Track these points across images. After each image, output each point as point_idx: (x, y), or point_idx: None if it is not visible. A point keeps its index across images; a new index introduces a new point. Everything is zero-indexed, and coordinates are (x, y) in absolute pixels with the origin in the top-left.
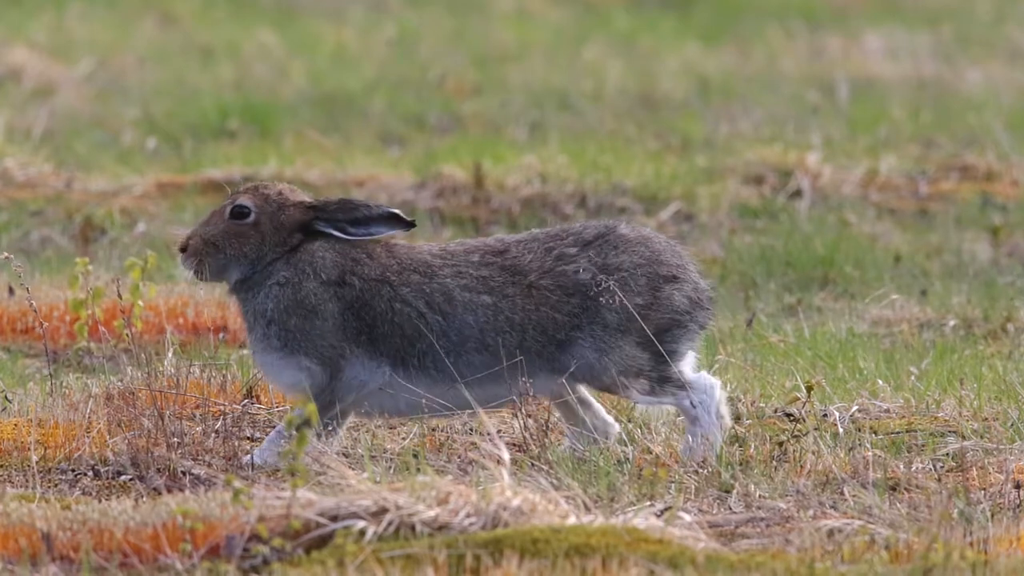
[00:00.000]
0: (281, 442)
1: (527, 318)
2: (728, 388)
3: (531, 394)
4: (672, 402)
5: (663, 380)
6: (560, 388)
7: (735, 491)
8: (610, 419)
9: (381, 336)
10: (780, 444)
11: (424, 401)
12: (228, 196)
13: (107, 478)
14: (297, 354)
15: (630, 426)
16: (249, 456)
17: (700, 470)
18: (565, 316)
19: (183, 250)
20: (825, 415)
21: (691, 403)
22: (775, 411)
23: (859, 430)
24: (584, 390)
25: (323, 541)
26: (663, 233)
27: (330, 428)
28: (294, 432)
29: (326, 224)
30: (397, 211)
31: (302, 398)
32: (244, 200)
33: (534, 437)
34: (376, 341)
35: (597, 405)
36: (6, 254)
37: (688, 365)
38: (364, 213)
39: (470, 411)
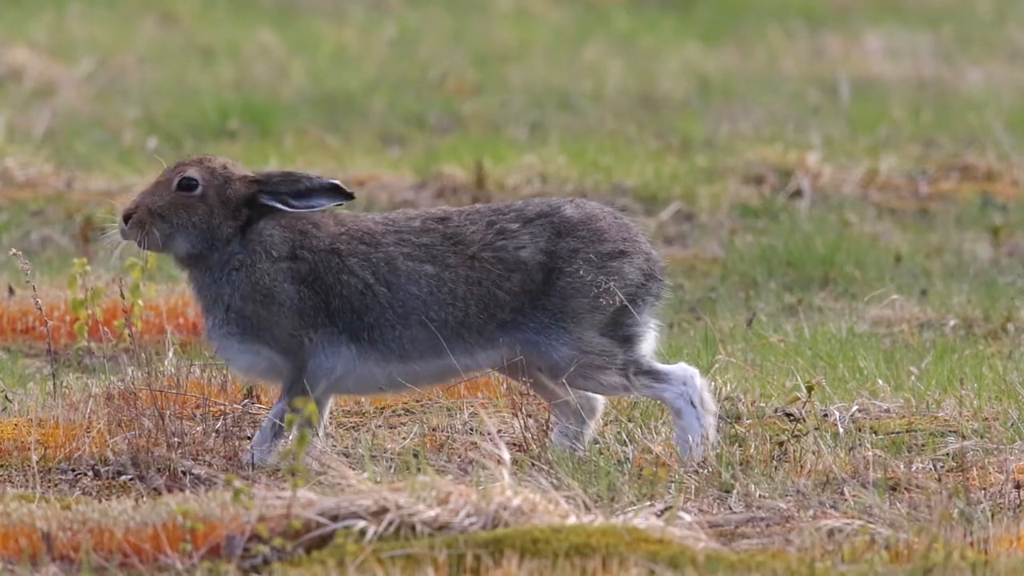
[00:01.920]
0: (271, 434)
1: (469, 292)
2: (728, 388)
3: (479, 368)
4: (651, 394)
5: (634, 370)
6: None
7: (735, 491)
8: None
9: (336, 312)
10: (780, 444)
11: (380, 378)
12: (171, 167)
13: (107, 478)
14: (255, 342)
15: (630, 426)
16: (249, 455)
17: (700, 470)
18: (506, 294)
19: (127, 218)
20: (825, 415)
21: (672, 395)
22: (775, 411)
23: (859, 430)
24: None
25: (323, 541)
26: (663, 233)
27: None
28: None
29: (270, 197)
30: (338, 182)
31: (259, 381)
32: (192, 172)
33: (534, 437)
34: (333, 317)
35: None
36: (14, 251)
37: (649, 344)
38: (306, 185)
39: (424, 386)
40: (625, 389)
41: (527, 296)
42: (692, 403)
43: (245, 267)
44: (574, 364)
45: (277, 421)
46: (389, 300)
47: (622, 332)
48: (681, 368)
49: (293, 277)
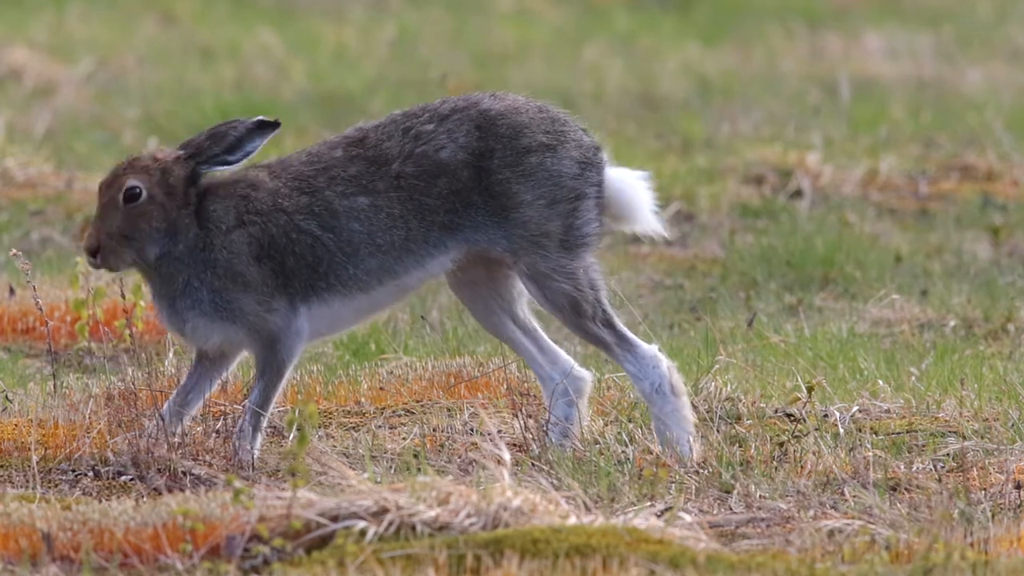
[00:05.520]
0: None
1: (404, 209)
2: (728, 388)
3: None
4: (614, 352)
5: (602, 318)
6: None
7: (735, 491)
8: (562, 354)
9: (292, 271)
10: (781, 444)
11: (348, 315)
12: (107, 184)
13: (107, 478)
14: (225, 319)
15: (631, 426)
16: (248, 454)
17: (700, 470)
18: (437, 200)
19: (94, 253)
20: (826, 415)
21: (635, 372)
22: (776, 411)
23: (860, 430)
24: (532, 321)
25: (324, 541)
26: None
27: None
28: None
29: (207, 164)
30: (261, 117)
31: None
32: (132, 181)
33: (535, 437)
34: (289, 277)
35: (549, 343)
36: (14, 251)
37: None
38: (234, 134)
39: (386, 308)
40: (578, 325)
41: (457, 197)
42: (661, 392)
43: (206, 246)
44: (518, 257)
45: (257, 409)
46: (337, 243)
47: (572, 236)
48: (651, 349)
49: (248, 243)
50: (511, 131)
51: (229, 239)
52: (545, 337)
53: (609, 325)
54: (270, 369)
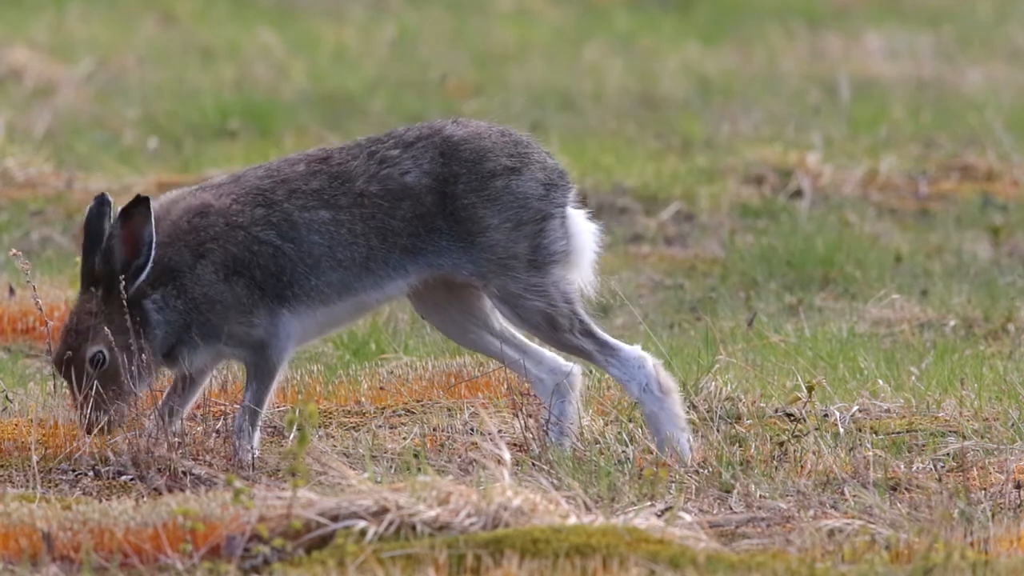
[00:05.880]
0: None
1: (366, 227)
2: (728, 388)
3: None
4: (597, 359)
5: (580, 328)
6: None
7: (735, 491)
8: (547, 354)
9: (262, 282)
10: (781, 444)
11: (311, 328)
12: (61, 360)
13: (108, 478)
14: (214, 342)
15: (631, 426)
16: (248, 453)
17: (700, 470)
18: (400, 223)
19: (115, 421)
20: (826, 415)
21: (622, 376)
22: (776, 411)
23: (860, 430)
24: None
25: (324, 541)
26: (663, 233)
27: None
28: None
29: (130, 280)
30: (127, 203)
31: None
32: (93, 350)
33: (535, 437)
34: (263, 288)
35: (531, 345)
36: (14, 251)
37: (582, 259)
38: (114, 235)
39: (345, 326)
40: (554, 338)
41: (420, 221)
42: (648, 391)
43: (180, 293)
44: (487, 280)
45: (253, 407)
46: (298, 254)
47: (540, 255)
48: (634, 350)
49: (215, 270)
50: (475, 156)
51: (195, 275)
52: (526, 340)
53: (588, 334)
54: (261, 372)
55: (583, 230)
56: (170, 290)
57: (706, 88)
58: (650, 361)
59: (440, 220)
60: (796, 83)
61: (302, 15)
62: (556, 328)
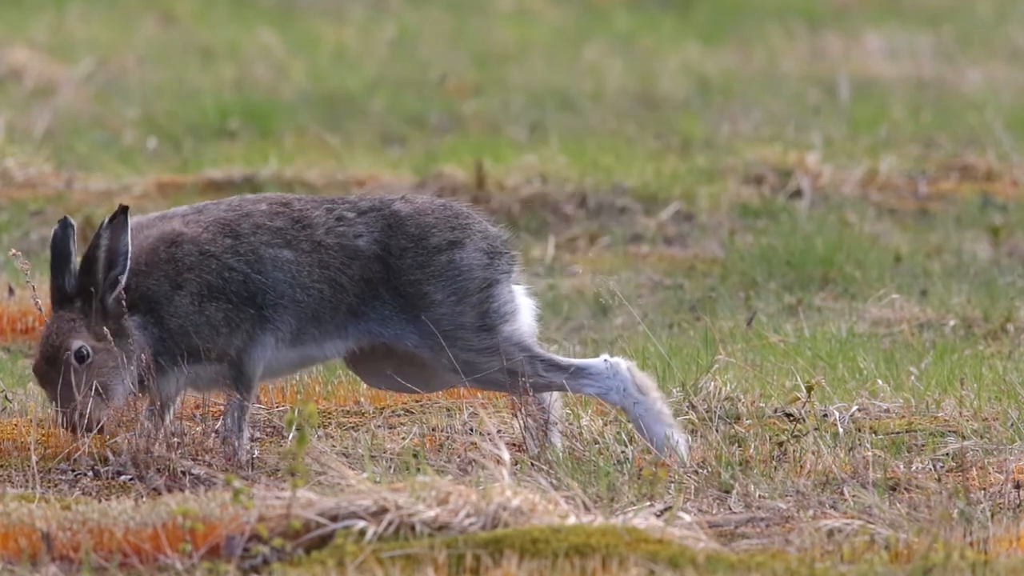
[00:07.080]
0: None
1: (322, 275)
2: (728, 388)
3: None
4: (570, 386)
5: (543, 367)
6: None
7: (735, 491)
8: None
9: (238, 306)
10: (780, 444)
11: (283, 363)
12: (42, 364)
13: (107, 478)
14: (195, 364)
15: (630, 426)
16: (246, 452)
17: (700, 470)
18: (350, 282)
19: (88, 429)
20: (825, 415)
21: (599, 391)
22: (775, 411)
23: (859, 430)
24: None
25: (323, 541)
26: (663, 233)
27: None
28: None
29: (107, 290)
30: (101, 223)
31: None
32: (76, 344)
33: (534, 437)
34: (239, 310)
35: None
36: (14, 251)
37: (526, 320)
38: (96, 262)
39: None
40: (533, 380)
41: (367, 285)
42: (627, 395)
43: (156, 321)
44: (436, 352)
45: (245, 404)
46: (265, 285)
47: (489, 319)
48: (602, 362)
49: (191, 301)
50: (419, 231)
51: (172, 307)
52: None
53: (553, 367)
54: (241, 384)
55: (524, 306)
56: (148, 318)
57: (706, 88)
58: (623, 364)
59: (383, 290)
60: (796, 83)
61: (302, 15)
62: (520, 376)
